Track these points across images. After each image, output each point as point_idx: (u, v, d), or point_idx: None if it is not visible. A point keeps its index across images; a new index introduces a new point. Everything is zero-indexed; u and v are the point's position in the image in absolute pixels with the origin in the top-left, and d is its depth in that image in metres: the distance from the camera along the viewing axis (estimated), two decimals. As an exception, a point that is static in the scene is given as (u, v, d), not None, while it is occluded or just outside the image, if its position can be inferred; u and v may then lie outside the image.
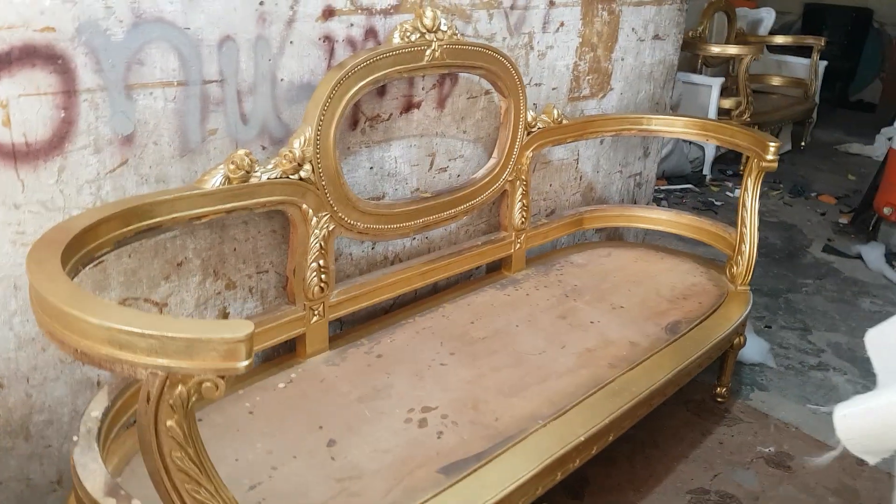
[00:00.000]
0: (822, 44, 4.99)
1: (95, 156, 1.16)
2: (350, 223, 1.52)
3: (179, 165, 1.28)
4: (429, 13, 1.51)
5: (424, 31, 1.52)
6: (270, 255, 1.51)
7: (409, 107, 1.69)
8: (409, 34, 1.49)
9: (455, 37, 1.58)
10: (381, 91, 1.61)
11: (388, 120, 1.65)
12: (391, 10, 1.54)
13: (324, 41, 1.43)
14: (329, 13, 1.41)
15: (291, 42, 1.37)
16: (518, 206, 1.99)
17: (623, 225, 2.36)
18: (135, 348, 0.71)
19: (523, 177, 1.97)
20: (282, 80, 1.39)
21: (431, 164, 1.82)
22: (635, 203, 2.82)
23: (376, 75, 1.45)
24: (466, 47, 1.63)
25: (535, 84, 2.05)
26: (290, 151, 1.35)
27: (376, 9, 1.50)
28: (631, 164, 2.65)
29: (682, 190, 4.40)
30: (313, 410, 1.35)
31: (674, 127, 2.18)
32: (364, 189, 1.67)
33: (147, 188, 1.24)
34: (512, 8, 1.84)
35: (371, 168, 1.66)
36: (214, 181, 1.24)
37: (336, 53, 1.46)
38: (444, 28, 1.56)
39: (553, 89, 2.13)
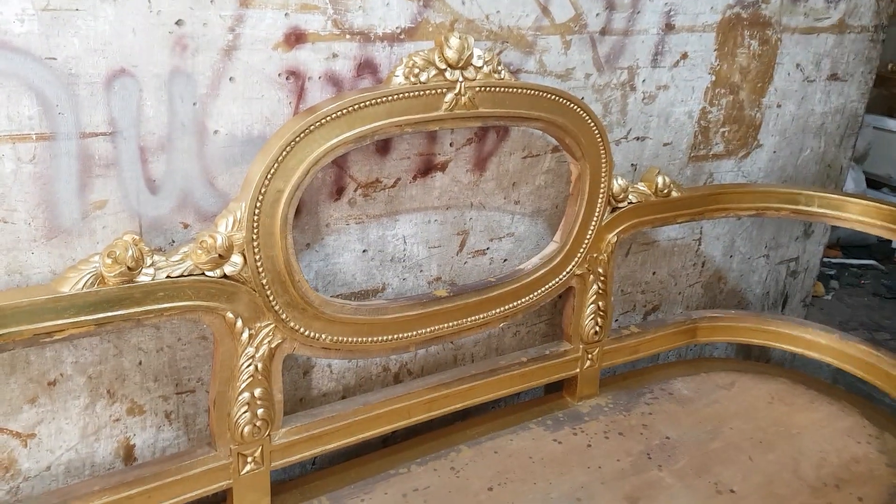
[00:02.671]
0: None
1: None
2: (309, 336, 1.13)
3: (45, 252, 0.97)
4: (454, 41, 1.10)
5: (445, 66, 1.11)
6: (198, 369, 1.16)
7: (427, 169, 1.28)
8: (417, 71, 1.08)
9: (495, 75, 1.15)
10: (384, 147, 1.22)
11: (393, 187, 1.25)
12: (401, 36, 1.14)
13: (288, 78, 1.06)
14: (296, 38, 1.04)
15: (232, 79, 1.02)
16: (590, 309, 1.50)
17: (758, 343, 1.77)
18: None
19: (600, 270, 1.48)
20: (216, 132, 1.03)
21: (462, 245, 1.39)
22: (786, 299, 2.19)
23: (360, 130, 1.06)
24: (513, 91, 1.19)
25: (636, 138, 1.55)
26: (211, 237, 0.99)
27: (376, 33, 1.11)
28: (784, 247, 2.04)
29: (860, 266, 3.59)
30: None
31: (846, 213, 1.57)
32: (352, 279, 1.28)
33: (-7, 281, 0.94)
34: (603, 33, 1.37)
35: (364, 251, 1.27)
36: (78, 281, 0.90)
37: (308, 95, 1.09)
38: (478, 62, 1.13)
39: (665, 145, 1.62)
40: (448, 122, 1.15)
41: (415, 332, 1.25)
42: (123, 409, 1.10)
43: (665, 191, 1.51)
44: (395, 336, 1.23)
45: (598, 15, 1.34)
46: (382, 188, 1.23)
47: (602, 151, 1.37)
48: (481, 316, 1.33)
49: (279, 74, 1.04)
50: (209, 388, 1.11)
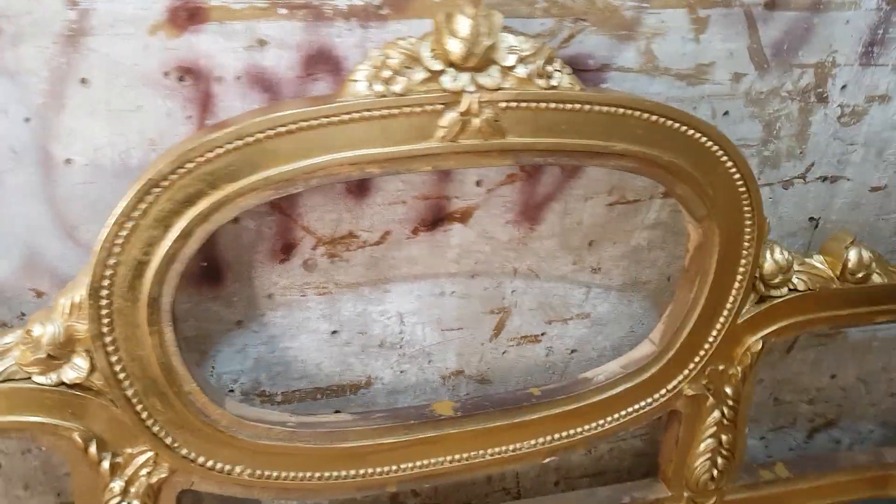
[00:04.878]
0: None
1: None
2: (214, 469, 0.79)
3: None
4: (463, 24, 0.66)
5: (442, 66, 0.68)
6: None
7: (438, 219, 0.86)
8: (389, 75, 0.67)
9: (539, 81, 0.70)
10: (360, 187, 0.82)
11: (378, 244, 0.85)
12: (382, 10, 0.72)
13: (181, 78, 0.70)
14: (190, 16, 0.67)
15: (84, 81, 0.67)
16: (704, 446, 1.00)
17: None
18: None
19: (728, 391, 0.97)
20: (68, 160, 0.70)
21: (499, 328, 0.96)
22: None
23: (281, 169, 0.67)
24: (574, 108, 0.72)
25: (822, 177, 1.00)
26: (40, 326, 0.67)
27: (336, 7, 0.70)
28: None
29: None
30: None
31: None
32: (316, 370, 0.91)
33: None
34: (771, 6, 0.84)
35: (334, 333, 0.89)
36: None
37: (219, 106, 0.72)
38: (508, 60, 0.69)
39: (874, 190, 1.04)
40: (448, 160, 0.72)
41: (396, 468, 0.86)
42: (-20, 521, 0.85)
43: (861, 274, 0.95)
44: (363, 472, 0.85)
45: (763, -25, 0.82)
46: (360, 246, 0.84)
47: (747, 208, 0.85)
48: (510, 448, 0.90)
49: (165, 73, 0.68)
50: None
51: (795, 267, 0.93)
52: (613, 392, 0.93)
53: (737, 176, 0.83)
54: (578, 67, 0.80)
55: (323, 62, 0.72)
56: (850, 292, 0.95)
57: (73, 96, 0.66)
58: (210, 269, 0.79)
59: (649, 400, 0.94)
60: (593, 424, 0.93)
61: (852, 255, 0.93)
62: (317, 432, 0.82)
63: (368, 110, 0.67)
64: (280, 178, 0.67)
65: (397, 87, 0.67)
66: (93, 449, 0.73)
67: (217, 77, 0.69)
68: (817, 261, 0.95)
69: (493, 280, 0.92)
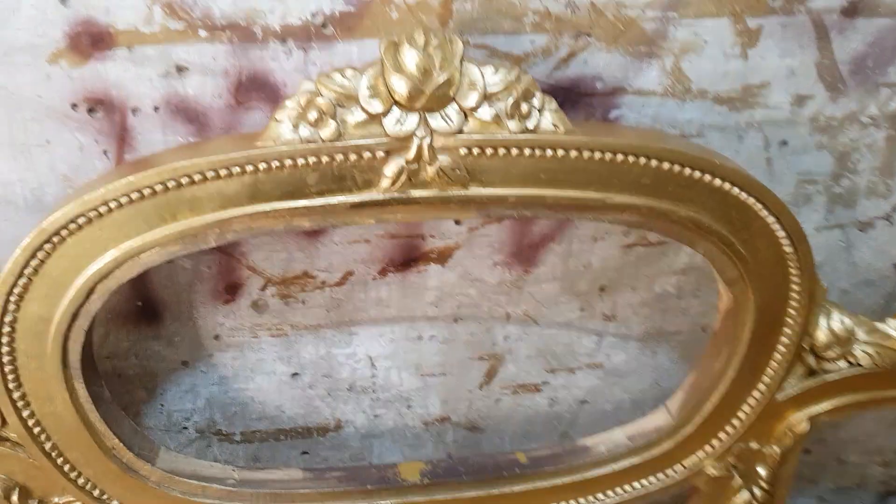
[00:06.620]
0: None
1: None
2: (144, 523, 0.78)
3: None
4: (410, 55, 0.57)
5: (385, 107, 0.59)
6: None
7: (410, 259, 0.79)
8: (317, 117, 0.59)
9: (510, 123, 0.60)
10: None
11: (339, 285, 0.79)
12: (325, 29, 0.64)
13: (92, 110, 0.65)
14: (94, 41, 0.61)
15: (-20, 111, 0.64)
16: (731, 530, 0.91)
17: None
18: None
19: (762, 471, 0.87)
20: (-29, 195, 0.68)
21: (490, 375, 0.90)
22: None
23: (187, 223, 0.62)
24: (554, 154, 0.62)
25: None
26: (-54, 376, 0.67)
27: (268, 26, 0.62)
28: None
29: None
30: None
31: None
32: (278, 412, 0.88)
33: None
34: (851, 13, 0.69)
35: (295, 375, 0.86)
36: None
37: (139, 139, 0.67)
38: (468, 99, 0.59)
39: None
40: (396, 211, 0.64)
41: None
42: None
43: (949, 350, 0.80)
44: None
45: (839, -28, 0.66)
46: (317, 286, 0.78)
47: (794, 270, 0.73)
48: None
49: (73, 105, 0.64)
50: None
51: (861, 336, 0.80)
52: (616, 466, 0.85)
53: (781, 233, 0.70)
54: (583, 92, 0.69)
55: (257, 89, 0.65)
56: (932, 371, 0.81)
57: (-9, 124, 0.63)
58: (147, 309, 0.76)
59: (661, 476, 0.86)
60: (590, 499, 0.86)
61: (940, 328, 0.79)
62: (260, 492, 0.79)
63: (289, 159, 0.60)
64: (187, 234, 0.61)
65: (326, 132, 0.59)
66: (15, 498, 0.73)
67: (133, 108, 0.64)
68: (892, 327, 0.81)
69: (480, 325, 0.84)
